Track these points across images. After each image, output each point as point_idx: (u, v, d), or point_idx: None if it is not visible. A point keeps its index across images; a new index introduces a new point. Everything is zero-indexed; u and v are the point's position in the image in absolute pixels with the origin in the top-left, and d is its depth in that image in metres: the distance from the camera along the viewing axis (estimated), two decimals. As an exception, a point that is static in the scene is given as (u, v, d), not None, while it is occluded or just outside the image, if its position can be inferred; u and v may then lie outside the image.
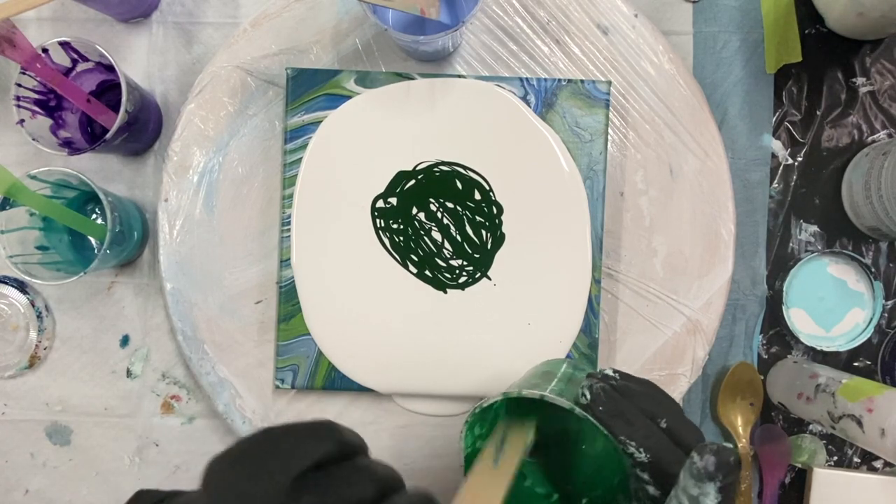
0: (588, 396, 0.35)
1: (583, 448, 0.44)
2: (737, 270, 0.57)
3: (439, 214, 0.54)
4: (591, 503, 0.41)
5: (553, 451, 0.44)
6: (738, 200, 0.57)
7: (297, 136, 0.54)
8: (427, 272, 0.54)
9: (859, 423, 0.47)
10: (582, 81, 0.54)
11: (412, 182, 0.54)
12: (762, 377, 0.58)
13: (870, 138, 0.58)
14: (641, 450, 0.33)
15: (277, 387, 0.54)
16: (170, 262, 0.56)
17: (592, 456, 0.43)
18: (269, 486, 0.25)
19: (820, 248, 0.58)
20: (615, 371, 0.37)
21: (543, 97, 0.54)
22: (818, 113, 0.58)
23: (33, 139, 0.51)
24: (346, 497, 0.26)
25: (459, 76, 0.55)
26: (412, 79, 0.54)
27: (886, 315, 0.58)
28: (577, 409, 0.35)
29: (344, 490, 0.26)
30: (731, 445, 0.28)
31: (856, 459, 0.58)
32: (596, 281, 0.54)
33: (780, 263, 0.58)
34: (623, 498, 0.37)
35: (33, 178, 0.51)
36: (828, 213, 0.58)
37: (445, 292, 0.54)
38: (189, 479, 0.59)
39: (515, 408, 0.42)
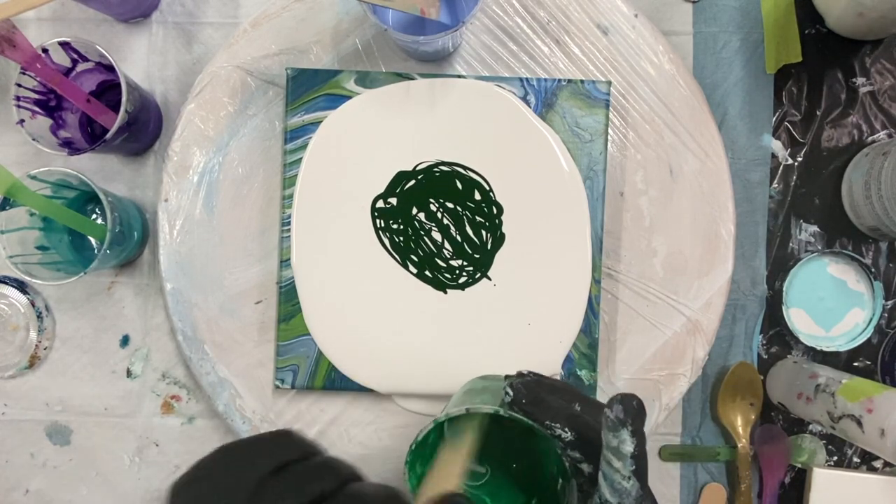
0: (510, 393, 0.37)
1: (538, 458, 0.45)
2: (737, 270, 0.57)
3: (439, 214, 0.54)
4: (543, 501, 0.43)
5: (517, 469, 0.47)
6: (738, 200, 0.57)
7: (297, 137, 0.54)
8: (427, 272, 0.54)
9: (859, 423, 0.47)
10: (582, 81, 0.54)
11: (412, 182, 0.54)
12: (762, 377, 0.58)
13: (870, 138, 0.58)
14: (566, 429, 0.36)
15: (277, 387, 0.54)
16: (170, 262, 0.56)
17: (544, 459, 0.45)
18: (233, 492, 0.26)
19: (820, 248, 0.58)
20: (528, 371, 0.40)
21: (543, 97, 0.54)
22: (818, 113, 0.58)
23: (33, 139, 0.51)
24: (308, 490, 0.27)
25: (459, 76, 0.55)
26: (412, 79, 0.54)
27: (886, 315, 0.58)
28: (502, 410, 0.37)
29: (306, 484, 0.28)
30: (633, 394, 0.32)
31: (855, 459, 0.58)
32: (596, 281, 0.54)
33: (780, 263, 0.58)
34: (566, 486, 0.39)
35: (33, 178, 0.51)
36: (828, 213, 0.58)
37: (445, 292, 0.54)
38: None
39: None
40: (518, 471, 0.47)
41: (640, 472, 0.33)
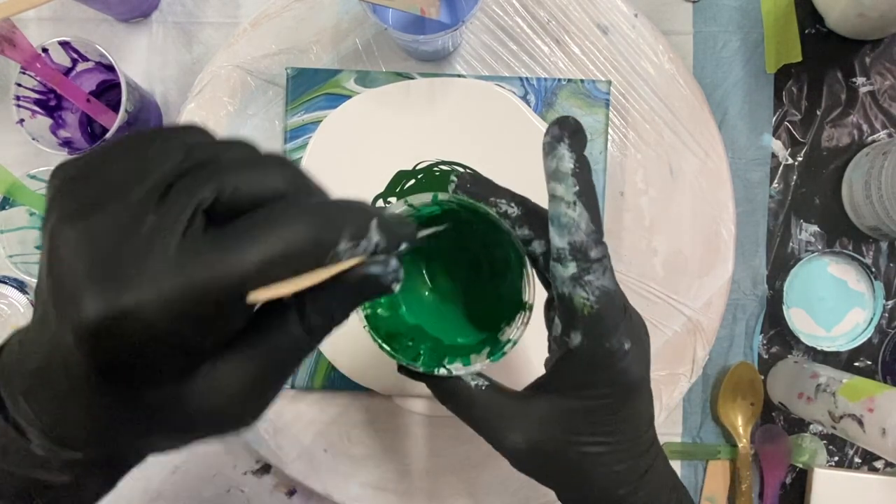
0: (455, 179, 0.35)
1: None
2: (737, 270, 0.57)
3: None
4: (507, 321, 0.37)
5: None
6: (738, 200, 0.57)
7: (297, 136, 0.54)
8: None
9: (860, 422, 0.47)
10: (582, 81, 0.54)
11: (412, 182, 0.54)
12: (762, 377, 0.58)
13: (870, 138, 0.58)
14: (512, 203, 0.34)
15: (277, 387, 0.54)
16: (170, 261, 0.56)
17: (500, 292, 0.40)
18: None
19: (820, 247, 0.58)
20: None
21: (543, 97, 0.54)
22: (818, 113, 0.58)
23: (33, 139, 0.51)
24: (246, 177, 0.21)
25: (459, 76, 0.55)
26: (412, 78, 0.54)
27: (887, 315, 0.57)
28: (441, 195, 0.34)
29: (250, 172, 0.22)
30: (570, 116, 0.30)
31: (856, 459, 0.58)
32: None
33: (781, 263, 0.58)
34: (524, 272, 0.35)
35: (33, 177, 0.51)
36: (828, 212, 0.58)
37: (445, 292, 0.54)
38: (189, 480, 0.59)
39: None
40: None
41: (587, 197, 0.30)
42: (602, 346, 0.31)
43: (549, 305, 0.35)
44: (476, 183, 0.35)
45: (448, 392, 0.35)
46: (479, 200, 0.34)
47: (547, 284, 0.34)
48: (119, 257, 0.20)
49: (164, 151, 0.21)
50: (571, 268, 0.30)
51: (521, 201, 0.34)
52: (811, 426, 0.58)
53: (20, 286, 0.58)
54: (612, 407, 0.32)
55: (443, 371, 0.34)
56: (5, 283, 0.58)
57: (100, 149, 0.22)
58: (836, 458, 0.58)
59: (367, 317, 0.35)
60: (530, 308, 0.34)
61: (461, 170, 0.35)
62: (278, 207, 0.21)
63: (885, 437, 0.45)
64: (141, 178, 0.21)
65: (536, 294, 0.34)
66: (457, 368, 0.34)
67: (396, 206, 0.34)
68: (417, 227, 0.27)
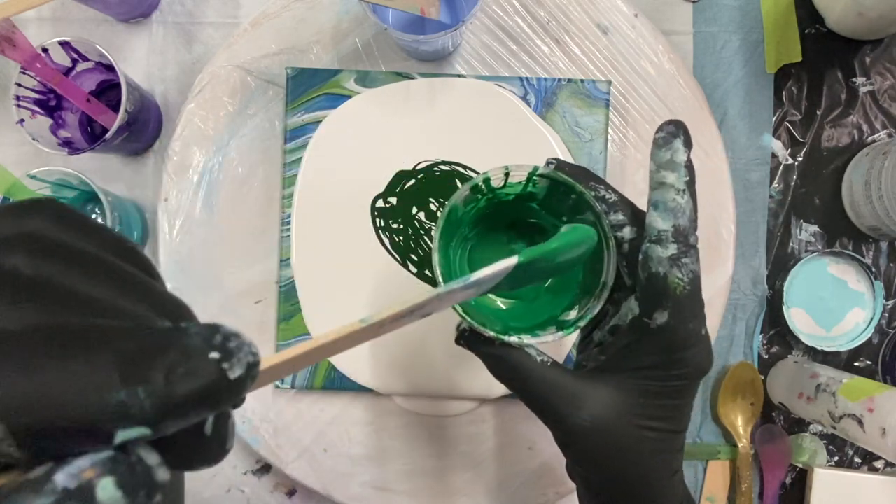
0: (553, 163, 0.37)
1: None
2: (737, 270, 0.57)
3: (439, 214, 0.54)
4: (575, 304, 0.38)
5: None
6: (738, 200, 0.57)
7: (297, 136, 0.54)
8: (427, 272, 0.54)
9: (860, 422, 0.47)
10: (582, 81, 0.54)
11: (412, 182, 0.54)
12: (762, 377, 0.57)
13: (870, 138, 0.58)
14: (609, 190, 0.36)
15: (277, 386, 0.54)
16: (170, 261, 0.56)
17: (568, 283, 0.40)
18: None
19: (820, 247, 0.58)
20: None
21: (543, 97, 0.54)
22: (818, 113, 0.58)
23: (33, 139, 0.51)
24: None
25: (459, 76, 0.55)
26: (412, 78, 0.54)
27: (887, 315, 0.57)
28: (541, 168, 0.36)
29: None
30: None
31: (857, 459, 0.58)
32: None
33: (781, 263, 0.58)
34: (608, 254, 0.35)
35: (33, 177, 0.51)
36: (828, 212, 0.58)
37: (445, 292, 0.54)
38: (189, 480, 0.58)
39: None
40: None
41: (692, 188, 0.33)
42: (686, 327, 0.33)
43: (611, 294, 0.36)
44: (575, 167, 0.37)
45: (511, 365, 0.35)
46: (578, 181, 0.35)
47: (625, 270, 0.36)
48: None
49: None
50: (672, 249, 0.32)
51: (617, 191, 0.36)
52: (811, 426, 0.58)
53: (20, 286, 0.58)
54: (677, 390, 0.34)
55: (513, 339, 0.34)
56: (5, 283, 0.58)
57: None
58: (836, 458, 0.58)
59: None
60: (607, 289, 0.35)
61: (555, 159, 0.37)
62: None
63: (885, 437, 0.45)
64: None
65: (613, 272, 0.35)
66: (526, 338, 0.34)
67: (495, 171, 0.35)
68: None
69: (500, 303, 0.42)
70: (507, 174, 0.36)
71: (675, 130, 0.33)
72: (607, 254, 0.35)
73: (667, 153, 0.32)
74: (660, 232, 0.32)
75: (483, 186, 0.37)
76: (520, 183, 0.37)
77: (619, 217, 0.35)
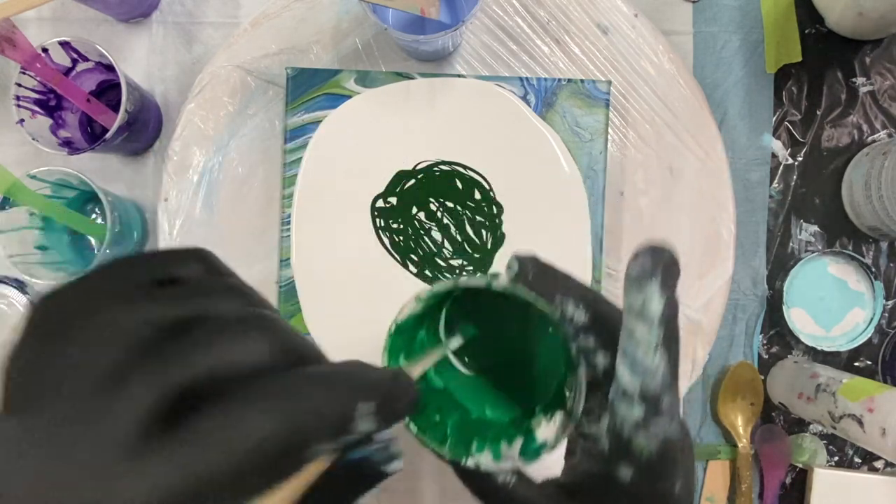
0: (515, 267, 0.30)
1: (530, 359, 0.37)
2: (737, 270, 0.57)
3: (439, 214, 0.54)
4: (545, 409, 0.34)
5: (500, 372, 0.38)
6: (738, 200, 0.57)
7: (296, 136, 0.54)
8: (427, 272, 0.54)
9: (860, 422, 0.47)
10: (582, 81, 0.54)
11: (412, 182, 0.54)
12: (762, 377, 0.57)
13: (870, 138, 0.58)
14: (580, 305, 0.29)
15: (277, 387, 0.54)
16: (170, 261, 0.56)
17: (537, 361, 0.37)
18: (109, 296, 0.18)
19: (820, 247, 0.58)
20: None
21: (543, 97, 0.54)
22: (818, 113, 0.58)
23: (33, 139, 0.51)
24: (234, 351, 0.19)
25: (459, 76, 0.55)
26: (412, 78, 0.54)
27: (887, 315, 0.57)
28: (494, 283, 0.30)
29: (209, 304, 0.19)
30: (664, 245, 0.25)
31: (856, 459, 0.58)
32: (596, 281, 0.54)
33: (781, 263, 0.58)
34: (570, 384, 0.31)
35: (33, 177, 0.51)
36: (828, 212, 0.58)
37: (445, 292, 0.54)
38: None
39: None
40: (513, 377, 0.38)
41: (670, 345, 0.25)
42: (653, 488, 0.28)
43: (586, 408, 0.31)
44: (541, 274, 0.30)
45: (472, 481, 0.31)
46: (541, 295, 0.30)
47: (598, 388, 0.30)
48: (66, 464, 0.17)
49: (132, 320, 0.18)
50: (638, 412, 0.26)
51: (592, 303, 0.30)
52: (811, 426, 0.58)
53: (20, 286, 0.58)
54: None
55: (470, 463, 0.30)
56: (5, 283, 0.58)
57: (67, 301, 0.19)
58: (836, 458, 0.58)
59: None
60: (574, 417, 0.30)
61: (524, 253, 0.31)
62: (250, 397, 0.18)
63: (885, 437, 0.45)
64: (93, 365, 0.17)
65: (582, 402, 0.30)
66: (486, 462, 0.30)
67: (442, 285, 0.31)
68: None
69: (475, 372, 0.38)
70: (455, 286, 0.31)
71: (649, 267, 0.24)
72: (574, 380, 0.30)
73: (637, 298, 0.25)
74: (626, 390, 0.26)
75: (427, 299, 0.32)
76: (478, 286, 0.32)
77: (590, 342, 0.29)
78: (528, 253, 0.31)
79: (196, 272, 0.21)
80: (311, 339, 0.21)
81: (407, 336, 0.34)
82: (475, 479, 0.31)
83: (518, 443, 0.31)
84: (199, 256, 0.21)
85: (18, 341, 0.18)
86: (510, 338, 0.36)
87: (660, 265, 0.25)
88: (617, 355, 0.27)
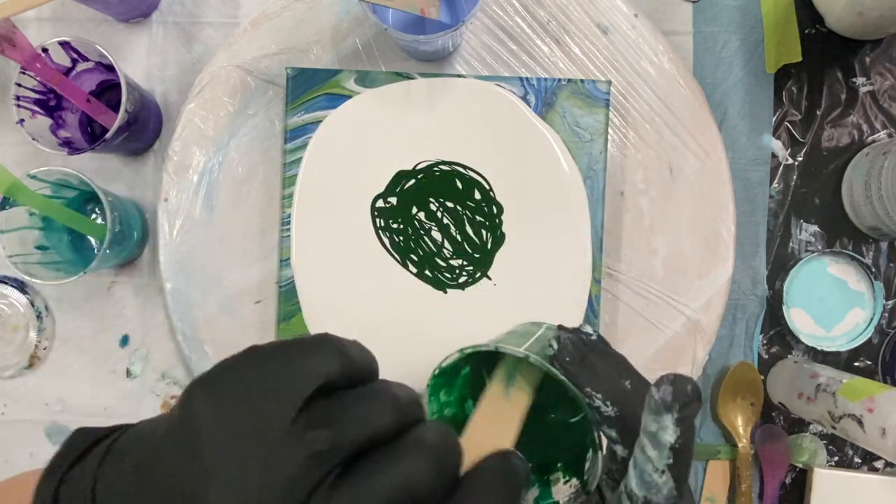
0: (555, 347, 0.33)
1: (551, 418, 0.40)
2: (737, 270, 0.57)
3: (439, 214, 0.54)
4: (566, 469, 0.37)
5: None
6: (738, 200, 0.57)
7: (297, 136, 0.54)
8: (427, 272, 0.54)
9: (860, 422, 0.47)
10: (582, 81, 0.54)
11: (412, 182, 0.54)
12: (762, 377, 0.57)
13: (870, 138, 0.58)
14: (608, 402, 0.31)
15: (277, 387, 0.54)
16: (170, 261, 0.56)
17: (559, 427, 0.40)
18: (270, 418, 0.21)
19: (820, 248, 0.58)
20: (595, 331, 0.35)
21: (543, 97, 0.54)
22: (818, 113, 0.58)
23: (33, 139, 0.51)
24: (362, 427, 0.22)
25: (459, 76, 0.55)
26: (412, 78, 0.54)
27: (887, 315, 0.57)
28: (532, 358, 0.32)
29: (359, 418, 0.22)
30: (689, 377, 0.27)
31: (856, 459, 0.58)
32: (596, 281, 0.54)
33: (781, 263, 0.58)
34: (593, 458, 0.34)
35: (33, 177, 0.51)
36: (828, 213, 0.58)
37: (445, 292, 0.54)
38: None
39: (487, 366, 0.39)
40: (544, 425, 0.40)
41: (679, 469, 0.28)
42: None
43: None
44: (578, 363, 0.32)
45: None
46: (573, 384, 0.32)
47: (614, 462, 0.33)
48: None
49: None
50: None
51: (620, 402, 0.32)
52: (811, 426, 0.58)
53: (20, 286, 0.58)
54: None
55: None
56: (5, 283, 0.58)
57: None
58: (836, 458, 0.58)
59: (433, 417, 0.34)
60: (588, 492, 0.32)
61: (566, 335, 0.33)
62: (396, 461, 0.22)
63: (885, 437, 0.45)
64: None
65: (596, 481, 0.32)
66: None
67: (484, 346, 0.34)
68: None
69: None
70: (496, 349, 0.34)
71: (669, 401, 0.26)
72: (593, 458, 0.32)
73: (653, 424, 0.27)
74: (632, 492, 0.29)
75: (469, 354, 0.35)
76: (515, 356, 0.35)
77: (613, 434, 0.31)
78: (571, 330, 0.33)
79: (335, 371, 0.23)
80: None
81: (449, 375, 0.37)
82: None
83: (534, 492, 0.33)
84: (331, 350, 0.23)
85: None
86: (545, 389, 0.38)
87: (679, 400, 0.26)
88: (630, 461, 0.29)
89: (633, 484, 0.29)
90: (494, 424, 0.30)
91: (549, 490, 0.33)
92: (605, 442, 0.32)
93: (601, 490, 0.33)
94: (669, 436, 0.27)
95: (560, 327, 0.34)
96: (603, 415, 0.32)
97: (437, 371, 0.36)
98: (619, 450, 0.31)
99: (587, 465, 0.32)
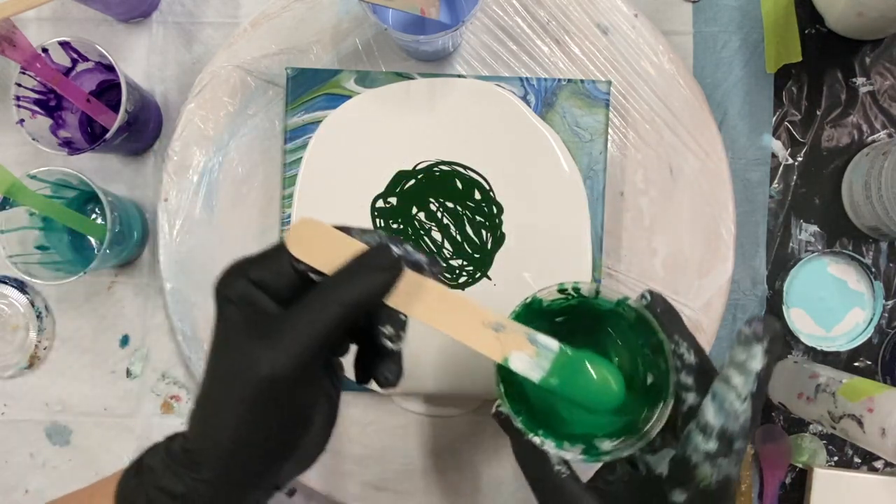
0: (649, 298, 0.36)
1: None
2: (737, 270, 0.57)
3: (439, 214, 0.54)
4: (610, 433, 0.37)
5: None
6: (738, 200, 0.57)
7: (297, 136, 0.54)
8: (427, 272, 0.54)
9: (860, 422, 0.47)
10: (582, 81, 0.54)
11: (412, 182, 0.54)
12: (762, 377, 0.57)
13: (870, 138, 0.58)
14: (691, 351, 0.34)
15: (277, 387, 0.54)
16: (170, 261, 0.56)
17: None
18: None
19: (820, 248, 0.58)
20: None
21: (543, 97, 0.54)
22: (818, 113, 0.58)
23: (33, 139, 0.51)
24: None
25: (459, 76, 0.55)
26: (412, 79, 0.54)
27: (887, 315, 0.57)
28: (629, 301, 0.35)
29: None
30: (776, 318, 0.31)
31: (856, 459, 0.58)
32: (596, 281, 0.54)
33: (780, 263, 0.58)
34: (662, 405, 0.35)
35: (33, 177, 0.51)
36: (828, 213, 0.58)
37: (445, 292, 0.54)
38: (189, 480, 0.59)
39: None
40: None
41: (758, 399, 0.31)
42: None
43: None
44: (667, 312, 0.35)
45: (530, 459, 0.35)
46: (664, 329, 0.34)
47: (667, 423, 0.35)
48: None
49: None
50: (712, 445, 0.31)
51: (699, 352, 0.35)
52: (811, 426, 0.58)
53: (20, 286, 0.58)
54: None
55: (537, 439, 0.34)
56: (5, 283, 0.58)
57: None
58: (836, 458, 0.58)
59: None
60: (646, 440, 0.33)
61: (657, 290, 0.36)
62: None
63: (884, 437, 0.45)
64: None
65: (659, 427, 0.34)
66: (549, 445, 0.34)
67: (586, 287, 0.36)
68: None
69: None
70: (597, 291, 0.36)
71: (760, 333, 0.31)
72: (662, 407, 0.34)
73: (742, 354, 0.31)
74: (707, 424, 0.31)
75: (571, 292, 0.37)
76: (610, 301, 0.36)
77: (688, 381, 0.34)
78: (658, 291, 0.37)
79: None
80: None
81: (527, 315, 0.38)
82: (533, 463, 0.35)
83: (579, 447, 0.34)
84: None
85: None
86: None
87: (769, 334, 0.30)
88: (706, 398, 0.32)
89: (709, 416, 0.31)
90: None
91: (594, 448, 0.34)
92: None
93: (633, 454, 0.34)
94: (757, 363, 0.30)
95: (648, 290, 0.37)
96: (685, 362, 0.34)
97: (529, 299, 0.37)
98: (691, 397, 0.34)
99: (656, 412, 0.34)
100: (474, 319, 0.33)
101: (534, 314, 0.37)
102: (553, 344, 0.34)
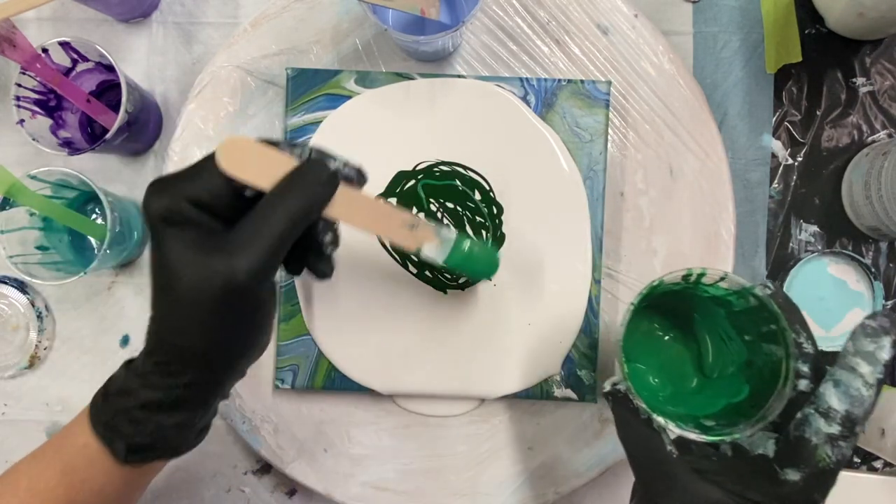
0: (772, 288, 0.38)
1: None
2: (737, 270, 0.57)
3: (439, 215, 0.54)
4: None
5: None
6: (738, 200, 0.57)
7: (296, 136, 0.54)
8: (427, 272, 0.54)
9: (859, 423, 0.47)
10: (582, 81, 0.54)
11: (412, 182, 0.54)
12: (762, 377, 0.58)
13: (870, 138, 0.58)
14: (810, 342, 0.37)
15: (277, 387, 0.54)
16: (170, 262, 0.56)
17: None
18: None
19: (820, 248, 0.58)
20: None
21: (543, 97, 0.54)
22: (818, 113, 0.58)
23: (33, 139, 0.51)
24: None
25: (459, 76, 0.55)
26: (412, 79, 0.54)
27: (886, 315, 0.58)
28: (756, 289, 0.37)
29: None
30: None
31: (856, 459, 0.58)
32: (596, 281, 0.54)
33: (780, 263, 0.58)
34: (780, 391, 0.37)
35: (33, 178, 0.51)
36: (828, 213, 0.58)
37: (445, 293, 0.54)
38: (188, 480, 0.59)
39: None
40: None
41: (881, 385, 0.34)
42: (811, 495, 0.34)
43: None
44: (787, 303, 0.38)
45: (642, 440, 0.37)
46: (787, 319, 0.37)
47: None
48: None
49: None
50: (834, 428, 0.34)
51: (815, 342, 0.37)
52: (811, 426, 0.58)
53: (20, 286, 0.58)
54: None
55: (661, 420, 0.36)
56: (5, 283, 0.58)
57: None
58: (836, 458, 0.58)
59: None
60: (767, 420, 0.36)
61: (776, 284, 0.39)
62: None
63: (883, 438, 0.45)
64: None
65: (777, 411, 0.36)
66: (671, 425, 0.36)
67: (714, 272, 0.38)
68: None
69: (652, 379, 0.46)
70: (722, 278, 0.38)
71: (888, 327, 0.34)
72: (780, 392, 0.36)
73: (870, 345, 0.34)
74: (830, 409, 0.34)
75: (695, 278, 0.39)
76: (727, 290, 0.39)
77: (804, 369, 0.36)
78: (777, 285, 0.39)
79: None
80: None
81: (650, 296, 0.40)
82: (645, 444, 0.37)
83: (695, 428, 0.37)
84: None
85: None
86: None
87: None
88: (824, 385, 0.35)
89: (832, 402, 0.34)
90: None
91: (712, 429, 0.36)
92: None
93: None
94: (886, 353, 0.34)
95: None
96: (803, 350, 0.37)
97: (657, 282, 0.39)
98: (805, 384, 0.36)
99: (772, 397, 0.36)
100: (396, 221, 0.39)
101: (655, 295, 0.40)
102: (452, 234, 0.41)
